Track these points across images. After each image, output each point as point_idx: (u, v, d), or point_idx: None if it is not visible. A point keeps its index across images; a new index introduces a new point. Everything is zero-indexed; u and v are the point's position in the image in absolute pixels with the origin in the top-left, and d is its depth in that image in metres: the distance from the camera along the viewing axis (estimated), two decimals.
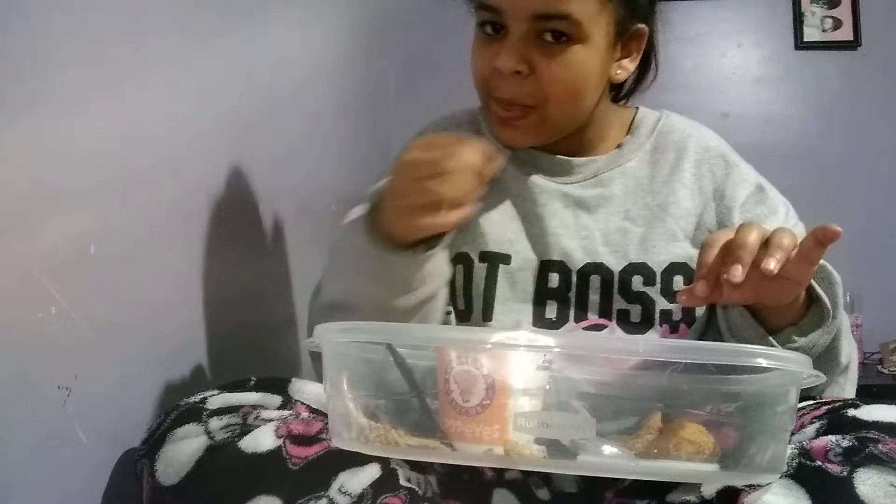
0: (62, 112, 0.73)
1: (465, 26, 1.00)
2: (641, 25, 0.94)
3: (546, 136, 0.96)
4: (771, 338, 0.81)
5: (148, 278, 0.89)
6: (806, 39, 2.43)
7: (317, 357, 0.81)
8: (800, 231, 0.99)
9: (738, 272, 0.69)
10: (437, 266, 0.85)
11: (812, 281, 0.79)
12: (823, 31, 2.43)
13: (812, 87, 2.43)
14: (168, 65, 0.93)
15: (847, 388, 0.89)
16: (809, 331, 0.80)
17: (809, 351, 0.80)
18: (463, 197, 0.76)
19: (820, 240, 0.70)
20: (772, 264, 0.68)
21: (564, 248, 0.93)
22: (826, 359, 0.84)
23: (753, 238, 0.71)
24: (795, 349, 0.80)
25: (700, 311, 0.93)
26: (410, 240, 0.81)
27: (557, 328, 0.92)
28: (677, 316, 0.92)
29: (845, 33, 2.42)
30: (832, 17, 2.43)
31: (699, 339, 0.92)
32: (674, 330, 0.92)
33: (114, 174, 0.81)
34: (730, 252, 0.71)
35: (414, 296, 0.84)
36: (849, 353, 0.87)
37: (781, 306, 0.79)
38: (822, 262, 0.80)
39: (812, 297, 0.80)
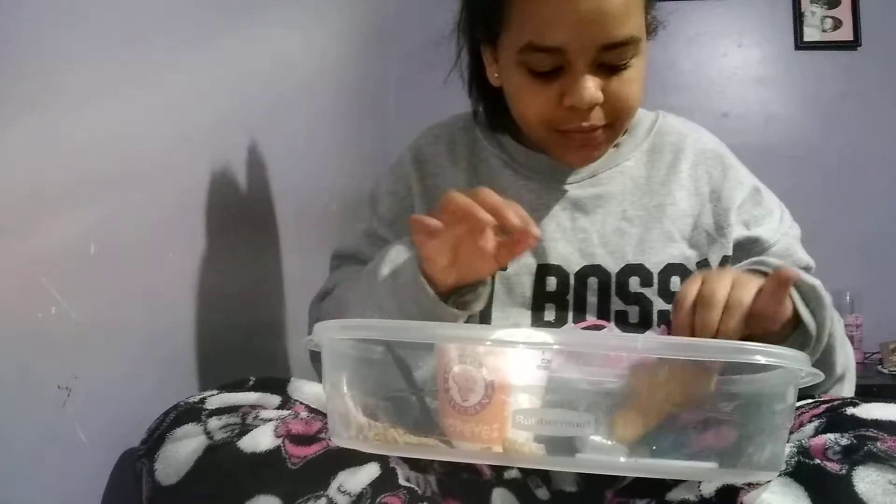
0: (62, 112, 0.73)
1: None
2: (654, 23, 0.96)
3: (608, 148, 0.98)
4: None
5: (148, 278, 0.89)
6: (806, 39, 2.43)
7: (317, 357, 0.81)
8: (795, 233, 1.00)
9: (708, 336, 0.73)
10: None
11: (798, 303, 0.80)
12: (823, 31, 2.43)
13: (812, 87, 2.43)
14: (168, 65, 0.93)
15: (843, 393, 0.89)
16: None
17: None
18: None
19: (780, 282, 0.73)
20: (730, 329, 0.73)
21: (562, 253, 0.94)
22: (821, 369, 0.84)
23: (720, 297, 0.74)
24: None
25: None
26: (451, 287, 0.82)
27: None
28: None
29: (845, 33, 2.42)
30: (832, 17, 2.43)
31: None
32: (671, 330, 0.92)
33: (114, 174, 0.82)
34: (699, 311, 0.74)
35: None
36: (844, 362, 0.87)
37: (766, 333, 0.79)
38: (813, 282, 0.82)
39: (799, 318, 0.80)
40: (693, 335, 0.75)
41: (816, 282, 0.82)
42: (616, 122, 0.91)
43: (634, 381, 0.66)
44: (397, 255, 0.87)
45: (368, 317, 0.86)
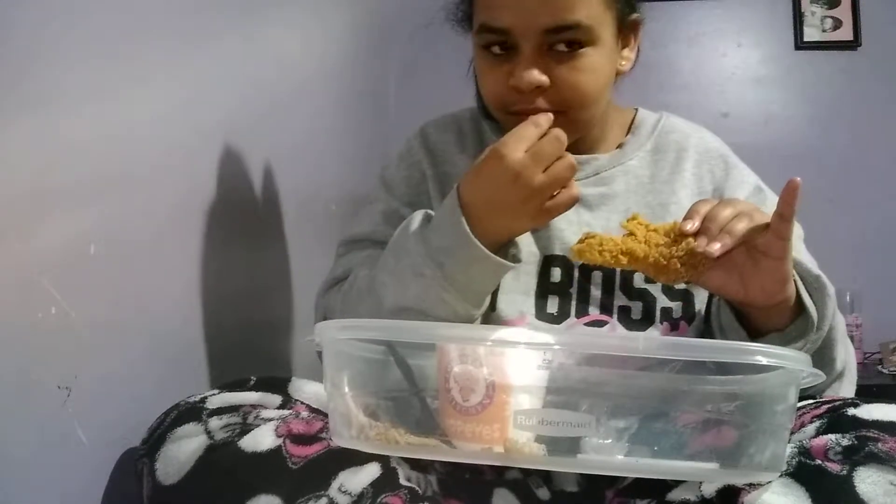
0: (62, 112, 0.73)
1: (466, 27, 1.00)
2: (636, 14, 0.96)
3: (572, 140, 0.96)
4: (751, 342, 0.81)
5: (148, 278, 0.89)
6: (806, 39, 2.43)
7: None
8: (797, 234, 0.99)
9: (703, 242, 0.75)
10: None
11: (801, 289, 0.80)
12: (823, 31, 2.43)
13: (812, 87, 2.43)
14: (168, 65, 0.93)
15: (844, 391, 0.89)
16: (793, 340, 0.80)
17: None
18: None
19: (783, 212, 0.73)
20: (716, 247, 0.74)
21: (567, 244, 0.94)
22: (819, 365, 0.83)
23: (726, 215, 0.75)
24: None
25: (700, 303, 0.93)
26: (498, 244, 0.83)
27: (559, 322, 0.92)
28: (678, 314, 0.92)
29: (845, 33, 2.42)
30: (832, 17, 2.43)
31: (699, 337, 0.92)
32: (674, 327, 0.92)
33: (114, 174, 0.82)
34: (712, 211, 0.76)
35: (486, 302, 0.87)
36: (844, 359, 0.87)
37: (767, 309, 0.79)
38: (818, 273, 0.82)
39: (801, 306, 0.80)
40: (701, 226, 0.76)
41: (821, 274, 0.83)
42: (568, 110, 0.90)
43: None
44: (423, 221, 0.87)
45: (405, 291, 0.85)
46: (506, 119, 0.93)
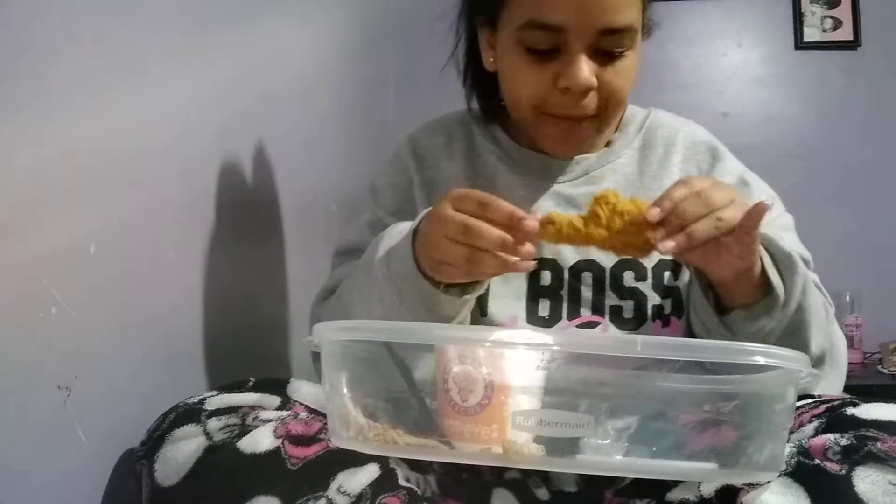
0: (62, 112, 0.73)
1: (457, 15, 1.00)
2: (649, 22, 0.96)
3: (597, 141, 0.97)
4: (717, 319, 0.81)
5: (148, 278, 0.89)
6: (806, 39, 2.43)
7: (318, 357, 0.81)
8: (784, 223, 0.99)
9: (658, 235, 0.74)
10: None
11: (769, 265, 0.80)
12: (823, 31, 2.43)
13: (812, 87, 2.43)
14: (168, 65, 0.93)
15: (828, 382, 0.87)
16: (758, 317, 0.80)
17: (760, 336, 0.80)
18: (494, 268, 0.74)
19: (744, 226, 0.73)
20: (669, 245, 0.73)
21: (556, 247, 0.94)
22: (794, 347, 0.82)
23: (693, 213, 0.73)
24: (742, 335, 0.80)
25: (684, 281, 0.93)
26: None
27: (550, 325, 0.92)
28: (668, 310, 0.92)
29: (845, 33, 2.42)
30: (832, 17, 2.43)
31: (688, 330, 0.93)
32: (665, 324, 0.92)
33: (114, 174, 0.82)
34: (683, 205, 0.74)
35: (455, 321, 0.85)
36: (823, 345, 0.86)
37: (733, 286, 0.79)
38: (789, 251, 0.82)
39: (770, 284, 0.80)
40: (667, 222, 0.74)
41: (793, 251, 0.82)
42: (604, 112, 0.91)
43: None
44: (389, 241, 0.85)
45: (371, 310, 0.85)
46: (540, 120, 0.92)
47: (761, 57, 2.46)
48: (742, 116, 2.41)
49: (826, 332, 0.87)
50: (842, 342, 0.92)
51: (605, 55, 0.88)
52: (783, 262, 0.81)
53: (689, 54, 2.46)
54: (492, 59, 0.97)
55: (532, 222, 0.72)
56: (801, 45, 2.43)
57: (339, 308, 0.91)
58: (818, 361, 0.86)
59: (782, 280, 0.81)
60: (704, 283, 0.84)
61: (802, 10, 2.43)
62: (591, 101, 0.89)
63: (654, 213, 0.74)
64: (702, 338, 0.87)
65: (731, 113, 2.42)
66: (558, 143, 0.95)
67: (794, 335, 0.82)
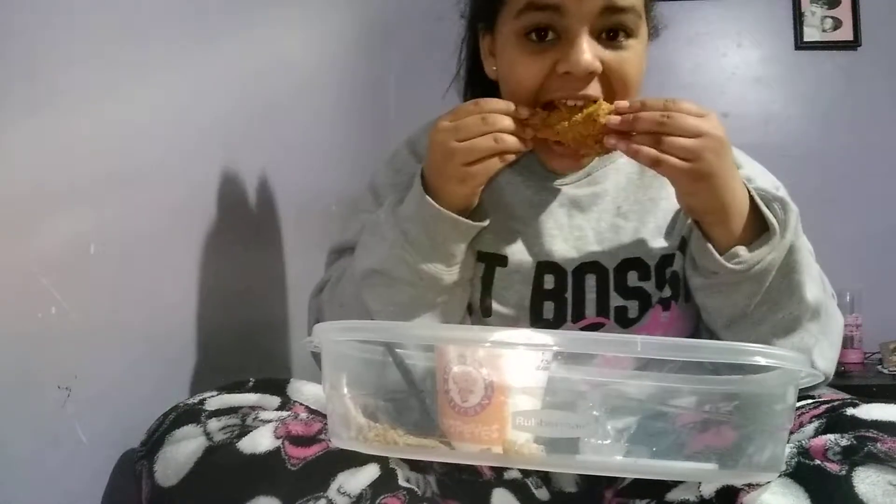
0: (62, 112, 0.73)
1: (463, 26, 1.00)
2: (655, 22, 0.95)
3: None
4: (716, 254, 0.81)
5: (148, 278, 0.89)
6: (806, 39, 2.43)
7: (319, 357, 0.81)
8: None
9: (611, 141, 0.82)
10: (467, 255, 0.88)
11: (758, 200, 0.81)
12: (823, 31, 2.43)
13: (812, 87, 2.43)
14: (168, 65, 0.93)
15: (821, 343, 0.86)
16: (756, 248, 0.80)
17: (759, 270, 0.80)
18: (508, 137, 0.82)
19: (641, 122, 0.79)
20: (621, 144, 0.80)
21: (558, 250, 0.93)
22: (788, 291, 0.82)
23: (650, 123, 0.79)
24: (744, 267, 0.79)
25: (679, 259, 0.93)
26: (458, 209, 0.84)
27: (555, 328, 0.92)
28: (667, 294, 0.92)
29: (845, 33, 2.42)
30: (832, 17, 2.43)
31: (688, 314, 0.92)
32: (666, 307, 0.92)
33: (114, 174, 0.81)
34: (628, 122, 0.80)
35: (451, 271, 0.86)
36: (818, 296, 0.84)
37: (721, 218, 0.80)
38: (783, 196, 0.84)
39: (764, 225, 0.80)
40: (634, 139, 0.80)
41: (785, 197, 0.84)
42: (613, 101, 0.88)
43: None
44: (397, 198, 0.89)
45: (373, 253, 0.87)
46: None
47: (761, 57, 2.46)
48: (742, 116, 2.41)
49: (820, 287, 0.86)
50: (839, 318, 0.92)
51: (608, 39, 0.85)
52: (776, 202, 0.82)
53: (690, 54, 2.46)
54: (494, 67, 0.96)
55: (524, 110, 0.83)
56: (801, 45, 2.44)
57: (346, 281, 0.92)
58: (815, 315, 0.84)
59: (774, 216, 0.81)
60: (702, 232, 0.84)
61: (802, 10, 2.44)
62: (596, 86, 0.86)
63: (614, 121, 0.81)
64: (703, 303, 0.87)
65: (731, 113, 2.41)
66: (557, 160, 0.92)
67: (787, 276, 0.81)
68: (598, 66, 0.84)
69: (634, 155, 0.80)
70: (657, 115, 0.78)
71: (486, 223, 0.87)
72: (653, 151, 0.78)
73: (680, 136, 0.77)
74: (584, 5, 0.83)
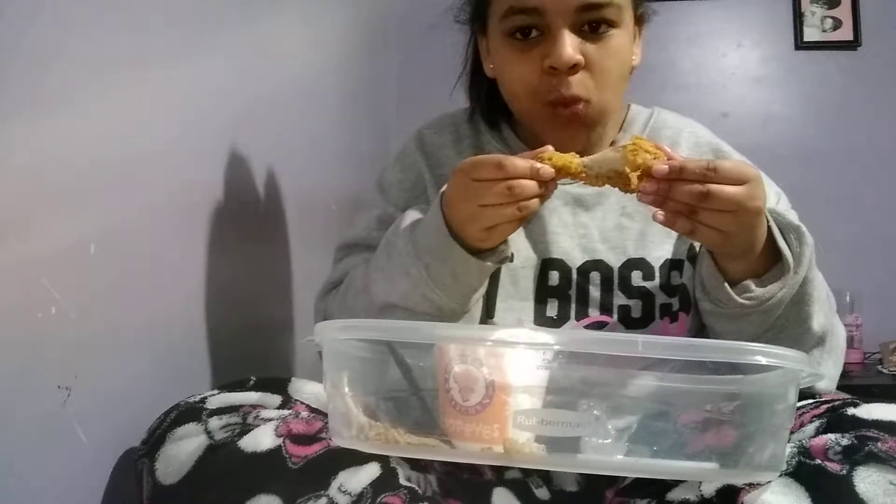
0: (62, 112, 0.73)
1: (466, 26, 1.00)
2: (643, 8, 0.96)
3: (593, 131, 0.95)
4: (728, 289, 0.81)
5: (148, 278, 0.89)
6: (806, 39, 2.43)
7: None
8: (792, 218, 0.99)
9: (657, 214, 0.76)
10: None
11: (776, 232, 0.80)
12: (823, 31, 2.43)
13: (812, 87, 2.43)
14: (168, 64, 0.93)
15: (825, 364, 0.87)
16: (769, 282, 0.80)
17: (770, 304, 0.80)
18: (531, 203, 0.78)
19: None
20: (659, 216, 0.75)
21: (563, 247, 0.94)
22: (796, 322, 0.83)
23: (689, 196, 0.73)
24: (754, 303, 0.80)
25: (688, 271, 0.93)
26: (479, 248, 0.82)
27: (559, 325, 0.92)
28: (676, 307, 0.92)
29: (845, 33, 2.42)
30: (832, 17, 2.43)
31: (696, 324, 0.92)
32: (674, 319, 0.92)
33: (114, 174, 0.81)
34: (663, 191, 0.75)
35: (473, 300, 0.86)
36: (825, 324, 0.85)
37: (739, 258, 0.79)
38: (798, 224, 0.82)
39: (778, 254, 0.80)
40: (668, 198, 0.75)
41: (801, 225, 0.82)
42: (596, 95, 0.90)
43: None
44: (411, 223, 0.86)
45: (394, 289, 0.85)
46: (540, 111, 0.91)
47: (761, 57, 2.46)
48: (742, 116, 2.41)
49: (827, 313, 0.87)
50: (842, 332, 0.92)
51: (590, 32, 0.88)
52: (792, 232, 0.81)
53: (690, 54, 2.46)
54: (491, 66, 0.97)
55: (548, 170, 0.77)
56: (801, 45, 2.44)
57: (355, 293, 0.91)
58: (820, 342, 0.86)
59: (790, 249, 0.81)
60: (714, 261, 0.83)
61: (802, 10, 2.44)
62: (581, 82, 0.88)
63: (648, 189, 0.75)
64: (711, 325, 0.87)
65: (731, 113, 2.42)
66: (561, 133, 0.93)
67: (797, 307, 0.82)
68: (579, 59, 0.87)
69: (671, 226, 0.76)
70: (696, 189, 0.73)
71: (510, 254, 0.86)
72: (688, 225, 0.75)
73: (717, 209, 0.74)
74: (561, 5, 0.86)
